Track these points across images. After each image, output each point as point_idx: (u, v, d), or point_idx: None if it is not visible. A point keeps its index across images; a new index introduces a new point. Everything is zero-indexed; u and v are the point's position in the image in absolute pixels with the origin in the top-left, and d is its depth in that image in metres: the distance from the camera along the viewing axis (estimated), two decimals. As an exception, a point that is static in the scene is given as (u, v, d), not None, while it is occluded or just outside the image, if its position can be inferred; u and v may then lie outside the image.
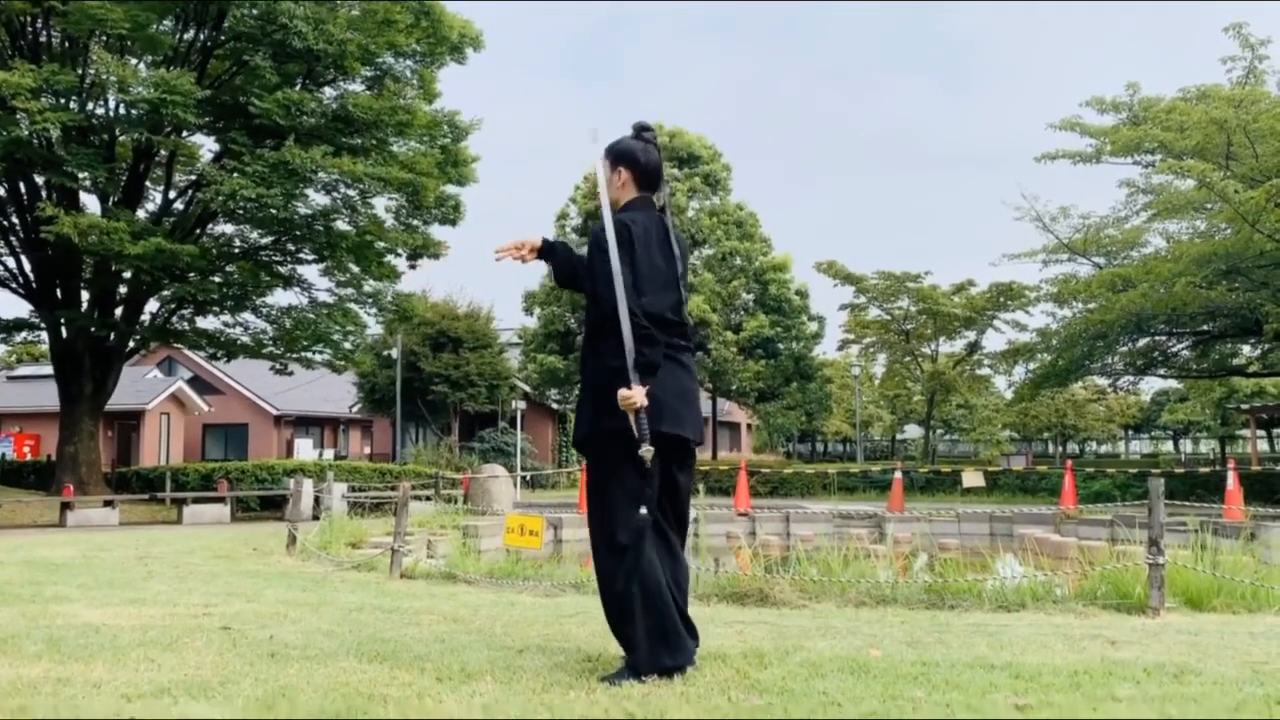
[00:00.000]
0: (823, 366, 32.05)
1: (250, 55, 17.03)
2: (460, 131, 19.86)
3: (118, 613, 4.80)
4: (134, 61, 17.38)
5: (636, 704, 2.71)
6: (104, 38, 17.00)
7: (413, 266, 20.56)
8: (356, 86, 19.09)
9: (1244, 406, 34.53)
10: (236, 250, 20.04)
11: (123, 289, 19.53)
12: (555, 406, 32.06)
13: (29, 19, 17.45)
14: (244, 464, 21.31)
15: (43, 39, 17.96)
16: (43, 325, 20.19)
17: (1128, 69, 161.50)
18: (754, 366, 28.27)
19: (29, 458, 27.24)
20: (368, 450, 38.60)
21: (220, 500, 18.34)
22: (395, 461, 27.84)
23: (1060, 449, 51.63)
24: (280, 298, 21.15)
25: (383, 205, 19.65)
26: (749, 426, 47.55)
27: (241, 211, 18.11)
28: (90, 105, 17.45)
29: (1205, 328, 22.36)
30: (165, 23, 17.61)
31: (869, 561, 6.72)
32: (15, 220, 18.79)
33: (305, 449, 34.13)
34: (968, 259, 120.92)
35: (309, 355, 21.38)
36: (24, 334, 22.02)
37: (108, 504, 17.49)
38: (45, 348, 23.47)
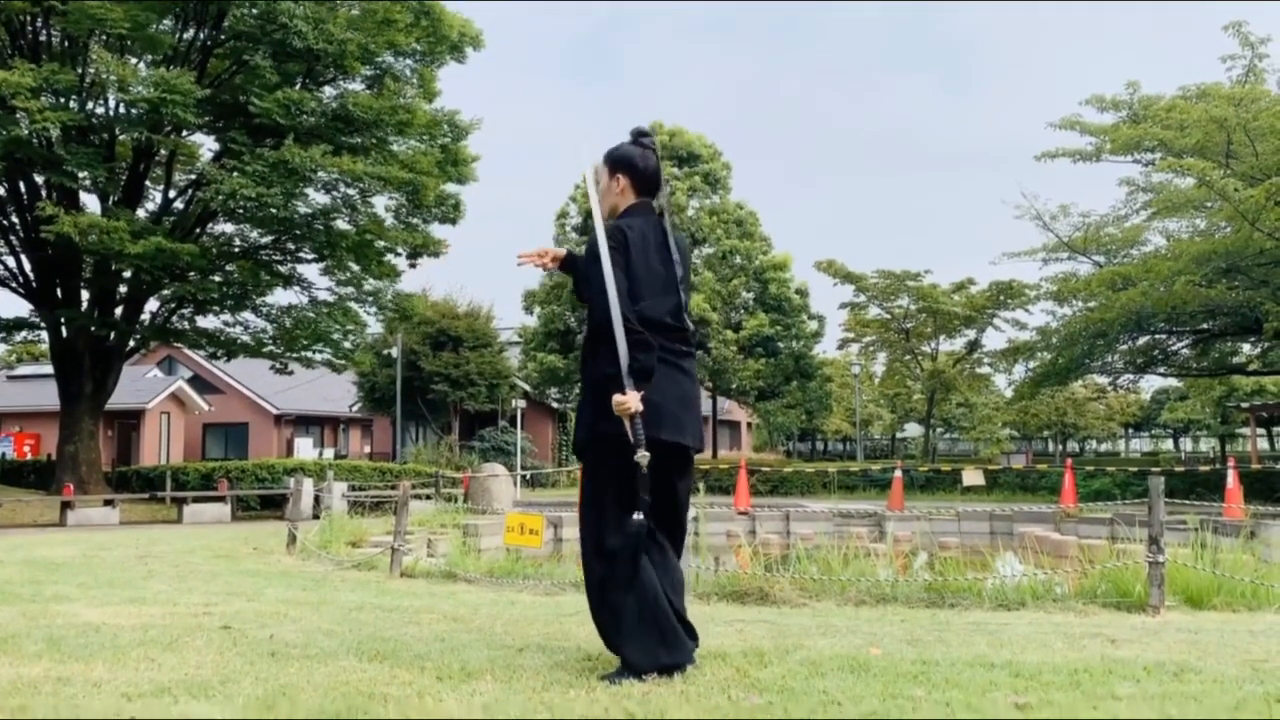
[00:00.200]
0: (823, 365, 32.05)
1: (250, 54, 17.02)
2: (460, 131, 19.85)
3: (118, 612, 4.80)
4: (134, 61, 17.37)
5: (636, 703, 2.71)
6: (104, 37, 16.99)
7: (413, 265, 20.57)
8: (356, 86, 19.09)
9: (1244, 405, 34.50)
10: (236, 249, 20.04)
11: (123, 288, 19.52)
12: (555, 406, 32.06)
13: (29, 18, 17.44)
14: (244, 463, 21.31)
15: (42, 38, 17.95)
16: (43, 325, 20.19)
17: (1128, 67, 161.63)
18: (754, 365, 28.28)
19: (29, 457, 27.25)
20: (368, 449, 38.61)
21: (220, 499, 18.34)
22: (395, 460, 27.85)
23: (1060, 447, 51.64)
24: (280, 297, 21.18)
25: (383, 204, 19.67)
26: (749, 425, 47.56)
27: (241, 211, 18.11)
28: (90, 104, 17.44)
29: (1205, 326, 22.37)
30: (165, 22, 17.60)
31: (869, 560, 6.73)
32: (15, 220, 18.78)
33: (305, 448, 34.13)
34: (968, 258, 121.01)
35: (309, 354, 21.37)
36: (24, 333, 22.01)
37: (108, 503, 17.49)
38: (45, 347, 23.46)
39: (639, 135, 3.42)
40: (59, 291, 19.10)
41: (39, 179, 18.09)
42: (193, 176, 19.58)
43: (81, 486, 18.36)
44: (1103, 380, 32.40)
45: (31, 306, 19.79)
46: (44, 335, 20.98)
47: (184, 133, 18.35)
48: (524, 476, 24.99)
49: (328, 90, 18.92)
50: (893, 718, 2.59)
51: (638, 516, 3.03)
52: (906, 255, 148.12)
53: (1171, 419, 51.62)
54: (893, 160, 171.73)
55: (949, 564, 6.42)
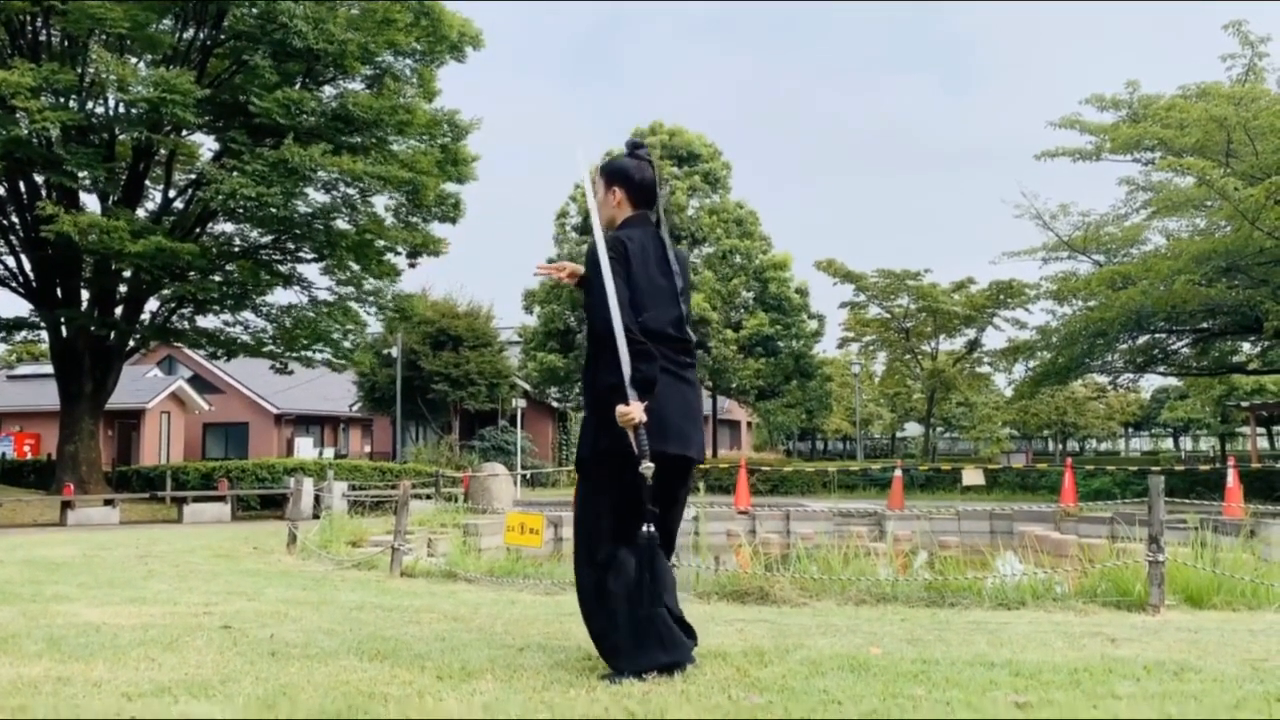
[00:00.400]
0: (823, 364, 32.04)
1: (250, 54, 17.01)
2: (460, 130, 19.84)
3: (118, 612, 4.80)
4: (133, 60, 17.35)
5: (637, 702, 2.72)
6: (103, 36, 16.97)
7: (413, 264, 20.56)
8: (356, 85, 19.08)
9: (1244, 404, 34.53)
10: (236, 249, 20.03)
11: (123, 288, 19.51)
12: (555, 405, 32.06)
13: (29, 18, 17.43)
14: (244, 463, 21.30)
15: (42, 38, 17.94)
16: (43, 324, 20.18)
17: (1127, 66, 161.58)
18: (754, 364, 28.28)
19: (29, 457, 27.24)
20: (368, 449, 38.60)
21: (221, 499, 18.33)
22: (395, 460, 27.84)
23: (1060, 446, 51.64)
24: (280, 296, 21.16)
25: (382, 203, 19.66)
26: (749, 424, 47.55)
27: (241, 210, 18.10)
28: (90, 104, 17.43)
29: (1205, 325, 22.36)
30: (165, 22, 17.59)
31: (869, 559, 6.74)
32: (15, 219, 18.77)
33: (305, 448, 34.12)
34: (967, 257, 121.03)
35: (309, 354, 21.36)
36: (24, 333, 22.00)
37: (108, 503, 17.48)
38: (45, 347, 23.46)
39: (634, 147, 3.44)
40: (59, 291, 19.10)
41: (39, 179, 18.09)
42: (193, 176, 19.57)
43: (81, 486, 18.36)
44: (1103, 379, 32.39)
45: (31, 306, 19.78)
46: (44, 335, 20.97)
47: (184, 132, 18.34)
48: (524, 476, 24.99)
49: (328, 90, 18.91)
50: (893, 717, 2.59)
51: (648, 529, 3.04)
52: (906, 255, 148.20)
53: (1171, 418, 51.61)
54: (893, 160, 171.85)
55: (949, 563, 6.42)
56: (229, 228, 20.39)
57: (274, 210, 17.18)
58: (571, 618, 4.55)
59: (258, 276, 19.43)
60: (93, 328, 18.95)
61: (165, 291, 19.53)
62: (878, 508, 16.82)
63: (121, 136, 18.20)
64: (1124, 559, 6.06)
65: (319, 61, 17.45)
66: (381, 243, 19.53)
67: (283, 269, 20.43)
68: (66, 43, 17.87)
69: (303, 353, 21.20)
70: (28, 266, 19.17)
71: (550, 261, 32.11)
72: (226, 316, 20.91)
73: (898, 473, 18.50)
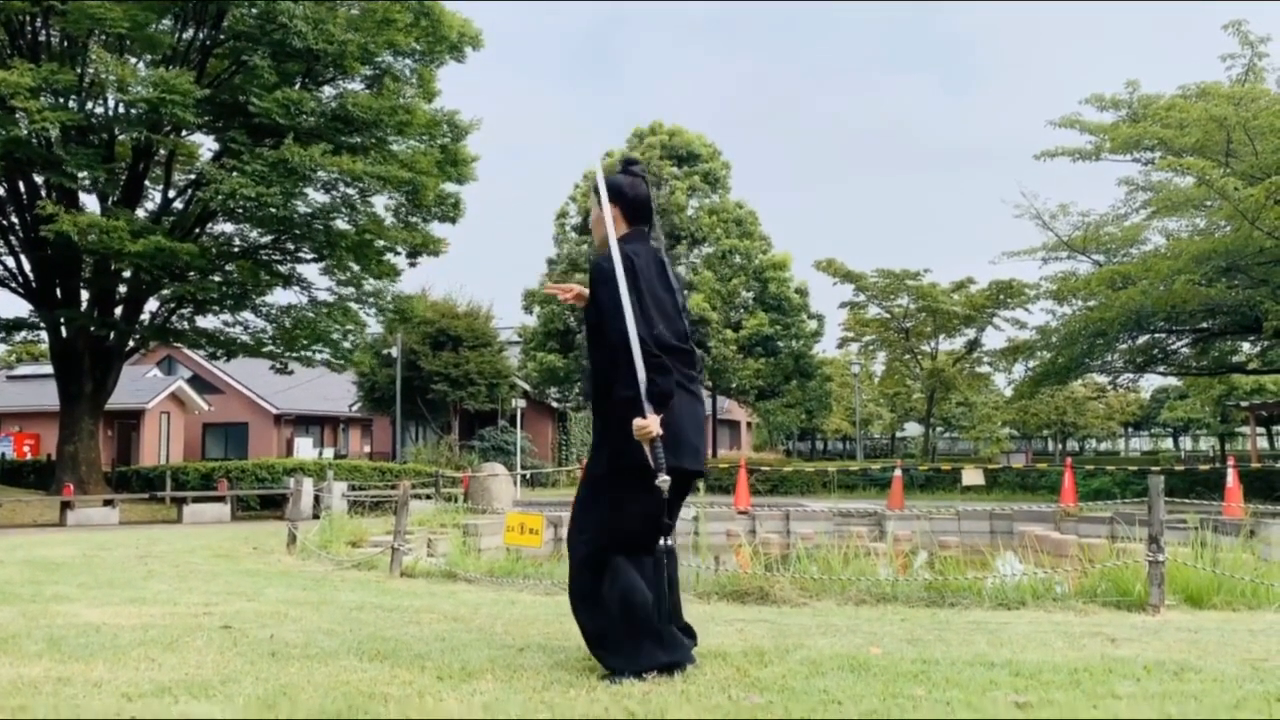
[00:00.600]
0: (822, 364, 32.04)
1: (249, 54, 17.01)
2: (460, 130, 19.85)
3: (118, 612, 4.80)
4: (133, 61, 17.36)
5: (637, 702, 2.72)
6: (103, 37, 16.98)
7: (412, 264, 20.58)
8: (356, 85, 19.08)
9: (1243, 404, 34.52)
10: (236, 249, 20.03)
11: (122, 288, 19.52)
12: (555, 405, 32.05)
13: (28, 18, 17.43)
14: (244, 463, 21.30)
15: (42, 38, 17.94)
16: (42, 325, 20.18)
17: (1127, 66, 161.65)
18: (754, 364, 28.27)
19: (29, 457, 27.25)
20: (368, 449, 38.59)
21: (220, 499, 18.33)
22: (395, 460, 27.83)
23: (1060, 446, 51.63)
24: (280, 297, 21.17)
25: (382, 204, 19.66)
26: (749, 424, 47.55)
27: (241, 210, 18.10)
28: (89, 104, 17.43)
29: (1205, 325, 22.35)
30: (164, 22, 17.59)
31: (869, 559, 6.74)
32: (15, 219, 18.78)
33: (305, 448, 34.13)
34: (967, 257, 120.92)
35: (309, 354, 21.37)
36: (24, 333, 22.01)
37: (108, 503, 17.48)
38: (45, 347, 23.46)
39: (628, 164, 3.46)
40: (59, 291, 19.10)
41: (39, 179, 18.09)
42: (192, 176, 19.57)
43: (81, 486, 18.36)
44: (1102, 379, 32.38)
45: (31, 306, 19.79)
46: (44, 335, 20.97)
47: (183, 133, 18.34)
48: (524, 476, 24.98)
49: (327, 90, 18.91)
50: (893, 717, 2.59)
51: (666, 543, 3.08)
52: (906, 254, 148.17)
53: (1171, 418, 51.61)
54: (893, 159, 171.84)
55: (949, 563, 6.42)
56: (229, 228, 20.40)
57: (274, 210, 17.18)
58: (571, 618, 4.55)
59: (257, 277, 19.43)
60: (92, 328, 18.95)
61: (165, 292, 19.53)
62: (878, 508, 16.81)
63: (121, 137, 18.21)
64: (1124, 559, 6.06)
65: (319, 62, 17.46)
66: (381, 243, 19.54)
67: (282, 269, 20.43)
68: (66, 43, 17.87)
69: (302, 353, 21.21)
70: (27, 267, 19.17)
71: (550, 262, 31.94)
72: (226, 317, 20.92)
73: (897, 473, 18.50)
